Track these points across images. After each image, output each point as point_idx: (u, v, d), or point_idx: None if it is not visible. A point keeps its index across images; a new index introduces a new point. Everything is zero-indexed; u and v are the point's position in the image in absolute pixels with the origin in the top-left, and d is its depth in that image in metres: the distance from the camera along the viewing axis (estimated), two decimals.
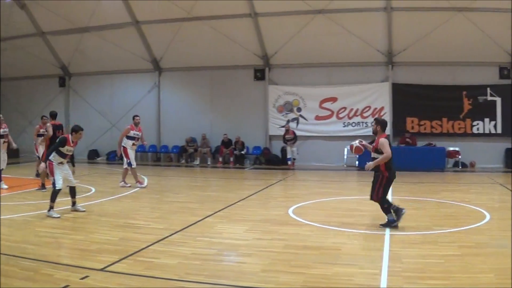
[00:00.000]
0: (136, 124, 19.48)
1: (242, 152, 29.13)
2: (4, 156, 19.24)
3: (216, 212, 13.84)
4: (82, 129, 14.08)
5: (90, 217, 13.18)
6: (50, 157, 13.55)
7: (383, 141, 11.45)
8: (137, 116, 19.75)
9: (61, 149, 13.60)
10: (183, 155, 30.74)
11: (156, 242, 10.17)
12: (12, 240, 10.33)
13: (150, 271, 8.16)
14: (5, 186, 18.90)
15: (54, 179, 13.61)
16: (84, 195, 16.91)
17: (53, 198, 13.26)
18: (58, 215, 13.02)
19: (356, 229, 11.31)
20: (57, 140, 13.79)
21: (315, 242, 10.15)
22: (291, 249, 9.60)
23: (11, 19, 30.86)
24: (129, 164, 19.17)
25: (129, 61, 31.29)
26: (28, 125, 32.95)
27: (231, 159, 29.12)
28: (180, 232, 11.19)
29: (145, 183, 19.73)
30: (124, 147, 19.21)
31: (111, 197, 16.72)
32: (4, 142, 19.20)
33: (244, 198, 16.43)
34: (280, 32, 27.00)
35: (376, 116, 26.88)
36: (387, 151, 11.29)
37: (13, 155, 29.82)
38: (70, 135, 13.91)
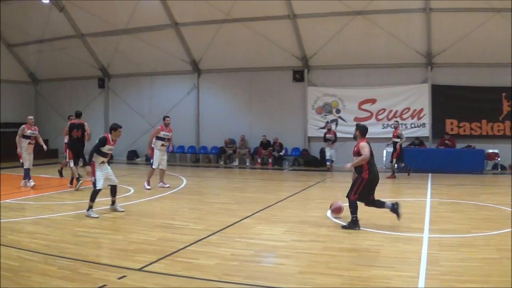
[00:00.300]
0: (166, 125, 19.45)
1: (281, 154, 29.09)
2: (30, 157, 19.61)
3: (255, 213, 13.87)
4: (120, 127, 14.18)
5: (129, 217, 13.29)
6: (92, 158, 13.69)
7: (363, 145, 11.99)
8: (167, 117, 19.78)
9: (101, 148, 13.71)
10: (222, 156, 30.81)
11: (194, 243, 10.23)
12: (51, 239, 10.46)
13: (188, 272, 8.21)
14: (33, 183, 19.23)
15: (95, 179, 13.74)
16: (123, 195, 17.04)
17: (92, 198, 13.40)
18: (97, 215, 13.15)
19: (393, 231, 11.25)
20: (98, 140, 13.86)
21: (353, 244, 10.14)
22: (329, 251, 9.59)
23: (50, 21, 31.30)
24: (152, 164, 19.36)
25: (168, 62, 31.44)
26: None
27: (270, 160, 29.08)
28: (219, 233, 11.23)
29: (167, 185, 19.62)
30: (152, 147, 19.34)
31: (150, 198, 16.85)
32: (30, 143, 19.57)
33: (283, 200, 16.44)
34: (319, 33, 26.89)
35: (416, 118, 26.79)
36: (365, 154, 11.73)
37: (52, 155, 30.19)
38: (109, 134, 14.03)
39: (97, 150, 13.69)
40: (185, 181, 21.34)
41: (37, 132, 19.89)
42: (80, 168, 19.10)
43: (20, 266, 8.55)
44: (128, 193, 17.83)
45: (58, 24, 31.48)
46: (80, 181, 18.66)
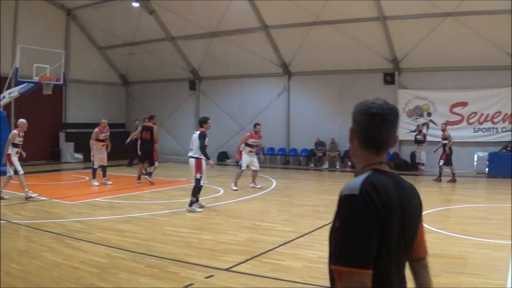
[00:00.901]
0: (256, 132, 19.76)
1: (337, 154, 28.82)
2: (102, 155, 20.57)
3: None
4: (209, 118, 14.95)
5: (218, 218, 13.42)
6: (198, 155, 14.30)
7: None
8: (258, 124, 20.07)
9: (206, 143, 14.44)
10: (311, 159, 30.70)
11: (282, 245, 10.24)
12: (140, 237, 10.63)
13: (274, 273, 8.20)
14: (97, 184, 20.11)
15: (200, 176, 14.05)
16: (212, 195, 17.23)
17: (195, 193, 13.74)
18: (201, 210, 13.39)
19: (483, 238, 10.95)
20: (199, 137, 14.40)
21: (442, 250, 9.87)
22: None
23: (140, 24, 31.96)
24: (240, 165, 19.75)
25: (258, 65, 31.52)
26: (159, 127, 33.84)
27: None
28: (307, 236, 11.21)
29: (259, 186, 19.91)
30: (240, 151, 19.77)
31: (239, 199, 16.95)
32: (103, 145, 20.55)
33: None
34: (409, 35, 26.39)
35: (507, 121, 26.08)
36: None
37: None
38: (202, 128, 14.62)
39: (205, 145, 14.30)
40: (274, 183, 21.38)
41: (108, 134, 20.85)
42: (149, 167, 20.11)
43: (108, 263, 8.72)
44: (218, 194, 18.02)
45: (149, 27, 32.09)
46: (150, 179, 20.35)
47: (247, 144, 19.65)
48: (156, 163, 21.48)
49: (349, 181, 2.70)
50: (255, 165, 19.78)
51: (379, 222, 2.54)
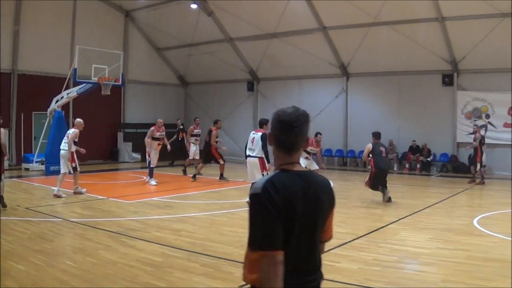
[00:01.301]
0: (317, 142, 20.48)
1: (429, 159, 28.48)
2: (155, 156, 20.85)
3: (400, 219, 13.70)
4: (268, 119, 15.00)
5: None
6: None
7: (366, 146, 16.93)
8: (320, 134, 20.73)
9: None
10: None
11: (338, 246, 10.19)
12: (195, 237, 10.72)
13: (329, 275, 8.12)
14: (154, 183, 20.43)
15: (267, 173, 14.26)
16: None
17: None
18: None
19: None
20: (262, 139, 14.84)
21: (498, 254, 9.74)
22: (473, 260, 9.29)
23: (199, 25, 32.18)
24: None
25: (316, 66, 31.46)
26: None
27: (418, 165, 28.57)
28: (363, 238, 11.20)
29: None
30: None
31: None
32: (159, 144, 20.88)
33: (429, 206, 16.08)
34: (468, 36, 25.92)
35: None
36: (363, 154, 17.44)
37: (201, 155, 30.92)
38: (262, 129, 15.37)
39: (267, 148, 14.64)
40: (331, 185, 21.27)
41: (164, 133, 21.18)
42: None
43: (163, 262, 8.83)
44: None
45: (207, 28, 32.33)
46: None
47: (304, 151, 19.61)
48: (221, 161, 22.61)
49: (257, 181, 3.37)
50: (313, 166, 20.07)
51: (280, 213, 3.20)
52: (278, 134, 3.49)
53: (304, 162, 19.57)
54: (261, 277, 3.20)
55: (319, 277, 3.58)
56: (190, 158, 23.90)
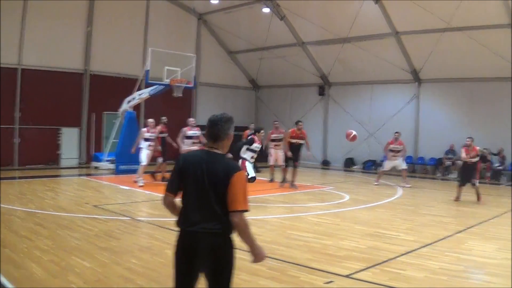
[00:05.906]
0: (396, 139, 22.98)
1: (500, 167, 27.97)
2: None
3: (468, 228, 13.47)
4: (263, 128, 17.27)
5: (342, 224, 13.44)
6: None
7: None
8: (397, 132, 22.98)
9: None
10: (439, 168, 30.20)
11: (404, 254, 10.15)
12: (263, 240, 10.73)
13: (394, 282, 8.15)
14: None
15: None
16: (337, 201, 17.22)
17: None
18: None
19: None
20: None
21: None
22: None
23: (271, 29, 32.33)
24: (383, 166, 22.84)
25: (388, 71, 31.23)
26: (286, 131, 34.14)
27: (488, 174, 28.08)
28: (430, 246, 11.04)
29: (409, 185, 22.51)
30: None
31: (364, 206, 16.89)
32: (194, 143, 21.21)
33: (498, 216, 15.78)
34: None
35: None
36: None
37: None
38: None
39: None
40: (400, 191, 21.17)
41: (199, 132, 21.39)
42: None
43: None
44: (343, 200, 18.01)
45: (279, 32, 32.47)
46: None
47: (390, 149, 22.85)
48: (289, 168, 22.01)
49: None
50: (403, 166, 23.36)
51: (179, 173, 5.09)
52: (207, 129, 5.22)
53: (390, 163, 23.20)
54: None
55: (207, 229, 4.93)
56: (271, 163, 23.02)
